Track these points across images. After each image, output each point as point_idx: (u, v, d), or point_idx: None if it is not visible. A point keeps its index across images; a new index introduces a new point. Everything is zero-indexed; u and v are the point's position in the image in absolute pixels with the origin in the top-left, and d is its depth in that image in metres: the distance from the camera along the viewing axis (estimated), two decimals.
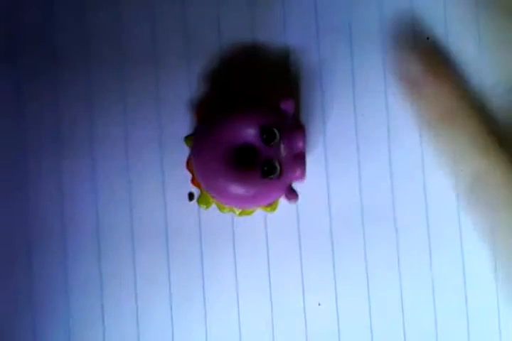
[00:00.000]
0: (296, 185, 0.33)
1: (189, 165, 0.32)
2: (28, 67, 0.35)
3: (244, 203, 0.32)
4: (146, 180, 0.34)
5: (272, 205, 0.32)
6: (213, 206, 0.33)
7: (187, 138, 0.32)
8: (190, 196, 0.34)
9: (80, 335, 0.34)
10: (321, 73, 0.35)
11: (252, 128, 0.31)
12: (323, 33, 0.35)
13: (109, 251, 0.34)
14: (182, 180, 0.34)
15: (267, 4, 0.35)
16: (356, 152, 0.35)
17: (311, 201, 0.34)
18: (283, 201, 0.32)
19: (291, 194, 0.32)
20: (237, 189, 0.30)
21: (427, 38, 0.35)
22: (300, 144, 0.32)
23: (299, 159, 0.32)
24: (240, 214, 0.32)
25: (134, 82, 0.35)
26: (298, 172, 0.32)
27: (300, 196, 0.32)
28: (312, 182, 0.34)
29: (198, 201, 0.33)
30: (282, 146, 0.31)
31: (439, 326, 0.34)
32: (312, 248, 0.34)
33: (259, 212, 0.33)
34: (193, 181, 0.32)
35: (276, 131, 0.30)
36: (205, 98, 0.34)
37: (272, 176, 0.30)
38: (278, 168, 0.31)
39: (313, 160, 0.34)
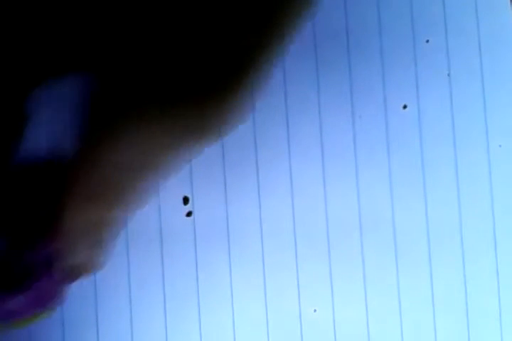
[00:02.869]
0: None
1: None
2: None
3: (8, 317, 0.29)
4: None
5: (36, 315, 0.30)
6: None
7: None
8: (185, 200, 0.34)
9: (74, 336, 0.34)
10: (318, 73, 0.35)
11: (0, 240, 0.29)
12: (320, 37, 0.35)
13: None
14: (176, 184, 0.34)
15: None
16: (353, 154, 0.34)
17: (309, 208, 0.34)
18: None
19: (42, 305, 0.30)
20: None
21: (427, 41, 0.35)
22: (48, 248, 0.28)
23: (48, 266, 0.29)
24: (13, 326, 0.30)
25: None
26: (51, 283, 0.29)
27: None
28: (309, 186, 0.34)
29: None
30: (27, 254, 0.28)
31: (438, 333, 0.34)
32: (308, 253, 0.34)
33: None
34: None
35: (21, 238, 0.29)
36: None
37: (24, 288, 0.28)
38: (27, 279, 0.29)
39: (310, 163, 0.34)
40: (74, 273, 0.30)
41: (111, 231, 0.27)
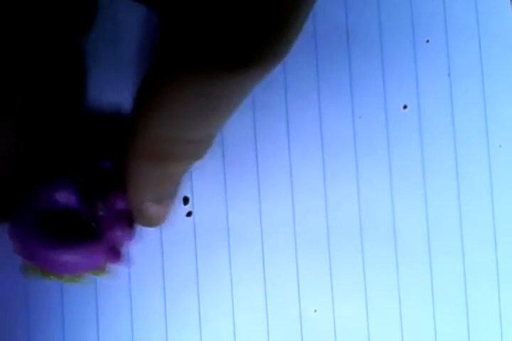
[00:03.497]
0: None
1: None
2: None
3: (68, 270, 0.29)
4: None
5: (101, 269, 0.30)
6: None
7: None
8: (185, 200, 0.34)
9: (74, 333, 0.34)
10: (317, 74, 0.35)
11: (67, 192, 0.29)
12: (320, 35, 0.35)
13: None
14: None
15: None
16: (354, 155, 0.34)
17: (309, 207, 0.34)
18: None
19: (114, 257, 0.30)
20: (55, 256, 0.28)
21: (427, 41, 0.35)
22: (120, 204, 0.30)
23: (120, 219, 0.29)
24: (66, 281, 0.31)
25: None
26: (119, 233, 0.29)
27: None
28: (309, 186, 0.34)
29: (23, 269, 0.31)
30: (99, 206, 0.29)
31: (438, 333, 0.34)
32: (308, 253, 0.34)
33: None
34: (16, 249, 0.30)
35: (92, 191, 0.29)
36: None
37: (92, 238, 0.28)
38: (97, 230, 0.29)
39: (311, 162, 0.34)
40: (144, 226, 0.30)
41: (176, 186, 0.27)
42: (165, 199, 0.27)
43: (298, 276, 0.34)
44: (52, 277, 0.30)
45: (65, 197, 0.29)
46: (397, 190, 0.34)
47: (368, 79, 0.35)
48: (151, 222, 0.30)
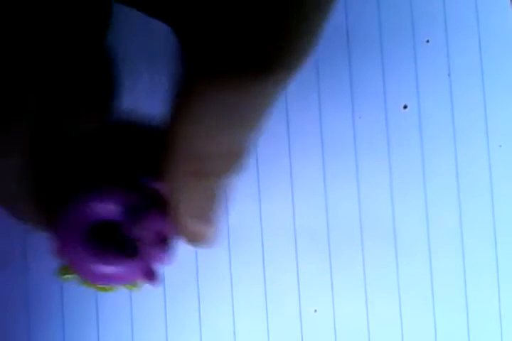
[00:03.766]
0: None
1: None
2: None
3: (101, 281, 0.30)
4: None
5: (134, 284, 0.31)
6: None
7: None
8: None
9: (74, 333, 0.34)
10: (318, 74, 0.35)
11: (115, 206, 0.29)
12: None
13: None
14: None
15: None
16: (354, 155, 0.34)
17: (309, 207, 0.34)
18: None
19: (150, 276, 0.30)
20: (92, 266, 0.29)
21: (427, 41, 0.35)
22: (165, 227, 0.30)
23: (162, 242, 0.30)
24: (99, 289, 0.31)
25: None
26: (159, 255, 0.30)
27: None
28: (309, 186, 0.34)
29: (60, 272, 0.31)
30: (146, 227, 0.29)
31: (438, 333, 0.34)
32: (308, 253, 0.34)
33: None
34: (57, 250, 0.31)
35: (141, 211, 0.29)
36: None
37: (133, 255, 0.29)
38: (137, 247, 0.29)
39: (311, 163, 0.34)
40: (191, 244, 0.30)
41: (217, 201, 0.27)
42: (207, 214, 0.28)
43: (298, 276, 0.34)
44: (86, 284, 0.31)
45: (112, 210, 0.29)
46: (397, 190, 0.34)
47: (368, 80, 0.35)
48: (196, 239, 0.30)
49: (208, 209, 0.27)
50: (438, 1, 0.35)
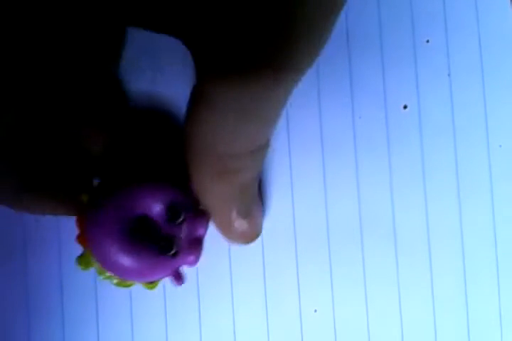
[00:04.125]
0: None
1: (79, 221, 0.31)
2: None
3: (127, 275, 0.30)
4: None
5: (153, 283, 0.31)
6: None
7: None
8: None
9: (74, 333, 0.34)
10: (318, 74, 0.35)
11: (157, 204, 0.29)
12: None
13: None
14: None
15: None
16: (354, 155, 0.34)
17: (309, 206, 0.34)
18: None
19: (178, 277, 0.30)
20: (124, 259, 0.29)
21: (427, 41, 0.35)
22: (201, 230, 0.30)
23: (196, 244, 0.30)
24: (117, 284, 0.31)
25: None
26: (191, 258, 0.29)
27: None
28: (309, 186, 0.34)
29: (78, 260, 0.31)
30: (183, 228, 0.29)
31: (438, 333, 0.34)
32: (308, 253, 0.34)
33: None
34: (79, 238, 0.30)
35: (182, 211, 0.29)
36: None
37: (167, 254, 0.29)
38: (175, 247, 0.29)
39: (310, 162, 0.34)
40: (238, 243, 0.30)
41: (254, 197, 0.26)
42: (250, 211, 0.28)
43: (298, 276, 0.34)
44: (104, 275, 0.30)
45: (153, 207, 0.29)
46: (397, 189, 0.34)
47: (368, 79, 0.35)
48: (242, 237, 0.30)
49: (247, 207, 0.27)
50: (438, 1, 0.35)
